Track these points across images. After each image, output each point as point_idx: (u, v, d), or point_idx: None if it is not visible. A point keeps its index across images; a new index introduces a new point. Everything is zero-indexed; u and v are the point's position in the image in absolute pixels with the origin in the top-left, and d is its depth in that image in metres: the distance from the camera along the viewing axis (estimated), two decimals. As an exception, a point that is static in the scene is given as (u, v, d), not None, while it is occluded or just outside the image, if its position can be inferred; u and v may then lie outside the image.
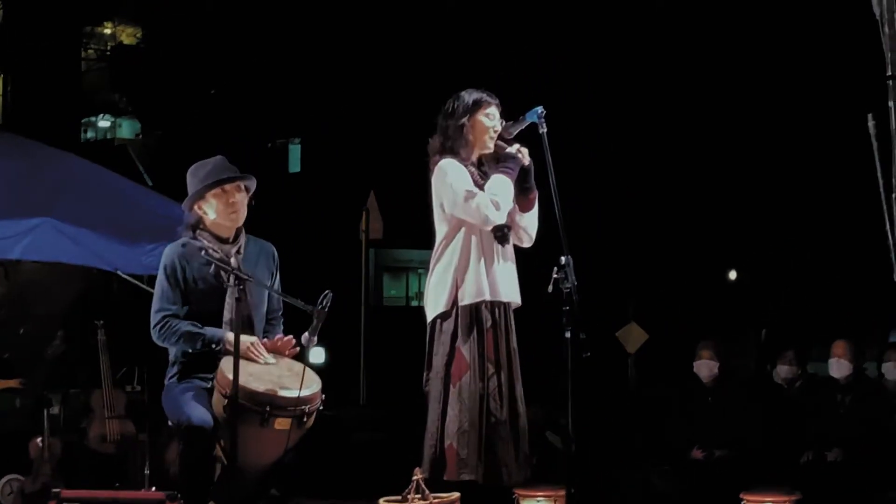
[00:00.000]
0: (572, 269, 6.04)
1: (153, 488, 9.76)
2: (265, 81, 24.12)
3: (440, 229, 6.47)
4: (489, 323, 6.37)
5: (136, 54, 27.82)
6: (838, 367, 9.54)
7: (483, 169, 6.51)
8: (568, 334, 6.08)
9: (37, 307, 12.47)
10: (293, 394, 5.79)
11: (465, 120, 6.43)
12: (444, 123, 6.49)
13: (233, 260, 6.08)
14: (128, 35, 29.46)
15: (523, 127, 6.45)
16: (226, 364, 5.83)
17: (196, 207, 6.13)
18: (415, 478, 5.98)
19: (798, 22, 17.76)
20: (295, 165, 29.83)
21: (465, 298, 6.33)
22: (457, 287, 6.35)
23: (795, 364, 10.23)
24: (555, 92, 17.35)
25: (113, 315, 11.06)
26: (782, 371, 10.29)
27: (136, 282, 10.28)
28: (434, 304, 6.39)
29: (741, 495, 8.52)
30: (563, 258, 6.06)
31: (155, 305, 6.06)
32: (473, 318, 6.34)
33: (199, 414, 5.72)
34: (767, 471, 9.13)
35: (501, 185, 6.34)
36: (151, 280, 10.43)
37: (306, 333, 5.78)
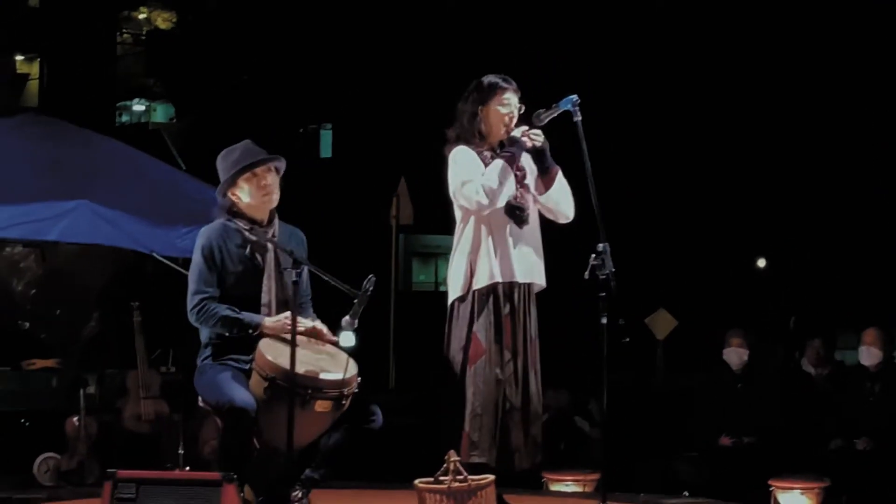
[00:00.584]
0: (609, 256, 6.02)
1: (187, 468, 9.81)
2: (297, 67, 24.14)
3: (457, 215, 6.48)
4: (507, 308, 6.35)
5: (171, 39, 27.88)
6: (868, 355, 9.50)
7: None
8: (604, 320, 6.07)
9: (73, 289, 12.53)
10: (334, 376, 5.79)
11: (478, 108, 6.42)
12: (461, 109, 6.48)
13: (269, 244, 6.10)
14: (163, 20, 29.51)
15: (555, 115, 6.38)
16: (265, 346, 5.84)
17: (230, 194, 6.11)
18: (451, 460, 5.97)
19: (830, 3, 17.69)
20: (326, 151, 29.82)
21: (479, 282, 6.33)
22: (471, 271, 6.35)
23: (823, 352, 10.21)
24: (586, 78, 17.34)
25: (148, 297, 11.10)
26: (810, 359, 10.28)
27: (172, 264, 10.32)
28: (452, 288, 6.40)
29: (769, 482, 8.52)
30: (600, 245, 6.04)
31: (192, 287, 6.00)
32: (489, 301, 6.34)
33: (242, 396, 5.71)
34: (796, 458, 9.11)
35: (496, 171, 6.29)
36: (186, 263, 10.44)
37: (347, 317, 5.78)
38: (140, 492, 5.29)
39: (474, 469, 6.10)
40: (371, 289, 5.75)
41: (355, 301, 5.76)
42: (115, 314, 12.32)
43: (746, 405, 9.65)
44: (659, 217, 18.24)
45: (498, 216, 6.36)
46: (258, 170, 6.08)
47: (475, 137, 6.41)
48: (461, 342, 6.33)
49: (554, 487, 8.78)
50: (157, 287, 11.40)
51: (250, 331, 5.96)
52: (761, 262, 20.05)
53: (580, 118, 6.23)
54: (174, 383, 10.94)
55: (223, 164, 6.14)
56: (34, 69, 29.63)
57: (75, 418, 10.77)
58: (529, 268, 6.43)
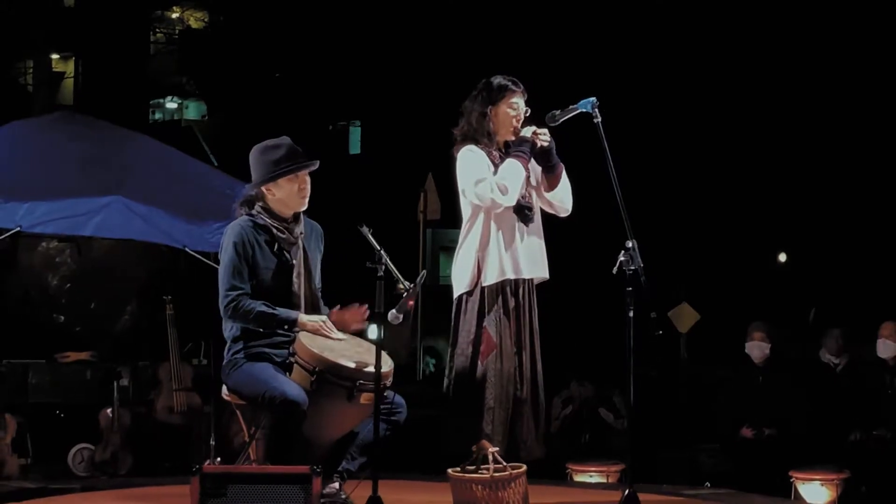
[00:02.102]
0: (637, 252, 6.10)
1: (217, 459, 9.83)
2: (326, 66, 24.15)
3: (465, 212, 6.50)
4: (513, 304, 6.40)
5: (203, 38, 27.94)
6: (885, 348, 9.47)
7: (508, 153, 6.49)
8: (631, 314, 6.12)
9: (107, 283, 12.57)
10: (381, 369, 5.81)
11: (488, 108, 6.44)
12: (469, 109, 6.51)
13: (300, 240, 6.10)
14: (195, 19, 29.57)
15: (570, 116, 6.43)
16: (308, 340, 5.84)
17: (265, 188, 6.10)
18: (491, 450, 5.99)
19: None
20: (355, 147, 29.86)
21: (488, 279, 6.37)
22: (479, 267, 6.39)
23: (842, 343, 10.17)
24: (605, 74, 17.31)
25: (180, 291, 11.13)
26: (829, 349, 10.24)
27: (203, 258, 10.34)
28: (459, 283, 6.42)
29: (790, 473, 8.50)
30: (629, 242, 6.11)
31: (225, 283, 5.96)
32: (497, 297, 6.38)
33: (293, 389, 5.69)
34: (816, 450, 9.08)
35: (510, 169, 6.34)
36: (218, 257, 10.51)
37: (393, 310, 5.78)
38: (228, 488, 5.25)
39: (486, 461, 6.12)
40: (421, 284, 5.82)
41: (404, 295, 5.79)
42: (148, 308, 12.37)
43: (768, 398, 9.62)
44: (682, 214, 18.19)
45: (506, 214, 6.41)
46: (300, 172, 6.08)
47: (484, 137, 6.45)
48: (470, 336, 6.36)
49: (578, 478, 8.78)
50: (188, 281, 11.42)
51: (286, 327, 5.95)
52: (782, 257, 19.98)
53: (600, 119, 6.26)
54: (206, 376, 10.97)
55: (264, 158, 6.08)
56: (70, 68, 29.74)
57: (109, 410, 10.82)
58: (534, 263, 6.48)
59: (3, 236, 9.87)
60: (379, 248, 5.84)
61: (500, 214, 6.39)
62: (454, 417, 6.37)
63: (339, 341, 5.96)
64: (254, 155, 6.14)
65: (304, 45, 24.01)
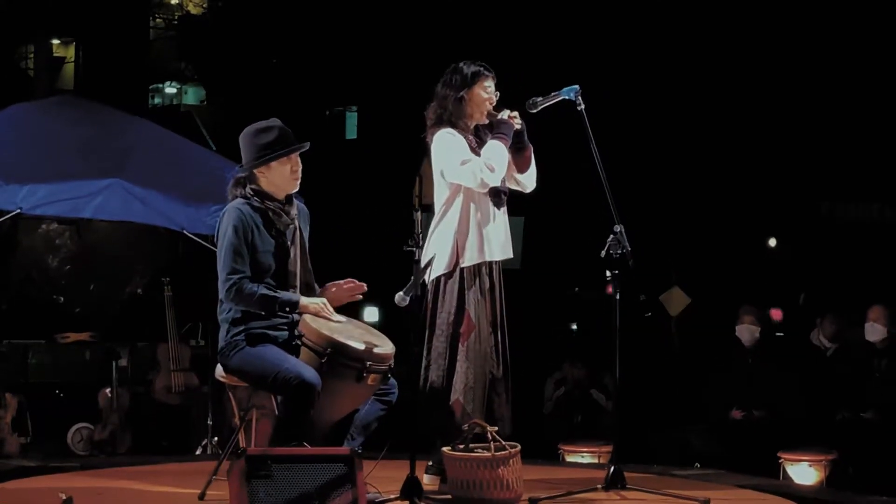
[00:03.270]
0: (625, 236, 6.14)
1: (215, 438, 9.84)
2: (323, 52, 24.11)
3: (440, 195, 6.59)
4: (487, 285, 6.48)
5: (202, 24, 27.87)
6: (873, 332, 9.50)
7: (480, 136, 6.60)
8: (617, 296, 6.18)
9: (106, 265, 12.56)
10: (385, 350, 5.84)
11: (463, 92, 6.52)
12: (443, 94, 6.58)
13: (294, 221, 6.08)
14: (194, 5, 29.50)
15: (551, 103, 6.50)
16: (315, 322, 5.83)
17: (256, 171, 6.04)
18: (489, 429, 6.01)
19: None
20: (351, 133, 29.80)
21: (468, 260, 6.46)
22: (458, 249, 6.48)
23: (832, 328, 10.17)
24: (595, 58, 17.28)
25: (179, 273, 11.12)
26: (825, 335, 10.24)
27: (202, 241, 10.32)
28: (437, 265, 6.45)
29: (778, 454, 8.51)
30: (616, 227, 6.15)
31: (226, 267, 5.87)
32: (475, 279, 6.47)
33: (309, 371, 5.64)
34: (804, 431, 9.10)
35: (496, 150, 6.44)
36: (214, 241, 10.50)
37: (401, 293, 5.78)
38: (274, 468, 5.19)
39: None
40: (431, 268, 5.93)
41: (413, 278, 5.81)
42: (147, 289, 12.36)
43: (757, 380, 9.64)
44: (674, 200, 18.17)
45: (482, 196, 6.52)
46: (293, 154, 6.06)
47: (459, 120, 6.54)
48: (450, 317, 6.43)
49: (570, 458, 8.79)
50: (186, 263, 11.41)
51: (287, 309, 5.91)
52: (772, 242, 19.99)
53: (583, 106, 6.32)
54: (203, 356, 10.98)
55: (256, 141, 6.03)
56: (70, 53, 29.69)
57: (108, 390, 10.84)
58: (505, 244, 6.59)
59: (3, 218, 9.85)
60: (420, 232, 5.89)
61: (477, 197, 6.50)
62: (435, 398, 6.41)
63: (339, 323, 5.96)
64: (245, 137, 6.09)
65: (301, 31, 23.96)
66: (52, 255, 12.42)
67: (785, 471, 8.42)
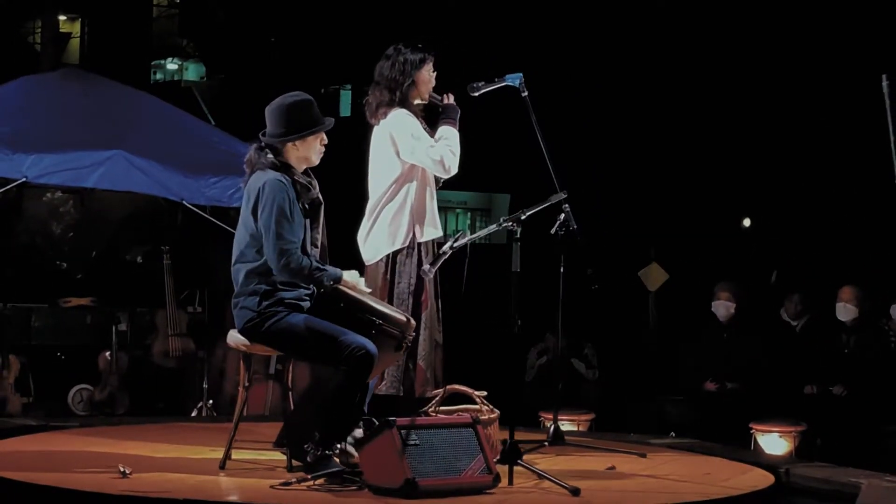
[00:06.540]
0: (571, 214, 6.51)
1: (210, 401, 9.84)
2: (319, 31, 24.02)
3: (390, 172, 6.59)
4: (431, 258, 6.55)
5: (203, 2, 27.75)
6: (845, 312, 9.48)
7: (426, 118, 6.69)
8: (562, 269, 6.67)
9: (108, 232, 12.52)
10: (413, 322, 5.96)
11: (413, 74, 6.57)
12: (391, 76, 6.60)
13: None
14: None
15: (493, 88, 6.66)
16: (356, 293, 5.83)
17: (290, 144, 5.85)
18: (477, 394, 6.13)
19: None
20: (346, 110, 29.70)
21: (424, 236, 6.59)
22: (414, 226, 6.57)
23: (802, 306, 10.17)
24: (576, 37, 17.20)
25: (177, 242, 11.09)
26: (788, 312, 10.24)
27: (200, 211, 10.30)
28: (390, 241, 6.54)
29: (750, 425, 8.52)
30: (564, 205, 6.48)
31: (278, 238, 5.64)
32: (429, 253, 6.58)
33: (368, 342, 5.57)
34: (775, 403, 9.12)
35: (452, 134, 6.57)
36: (214, 211, 10.48)
37: (427, 265, 5.99)
38: (420, 435, 5.30)
39: (427, 402, 6.35)
40: (458, 242, 5.99)
41: (441, 252, 6.00)
42: (147, 257, 12.33)
43: (731, 354, 9.65)
44: (653, 178, 18.16)
45: (432, 177, 6.65)
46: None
47: (408, 102, 6.59)
48: (410, 288, 6.54)
49: (550, 426, 8.77)
50: (185, 233, 11.38)
51: (331, 283, 5.77)
52: (746, 222, 19.99)
53: (527, 93, 6.41)
54: (200, 322, 10.98)
55: (293, 114, 5.85)
56: (76, 28, 29.54)
57: (107, 353, 10.83)
58: (440, 220, 6.78)
59: (9, 186, 9.82)
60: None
61: (428, 176, 6.62)
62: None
63: (370, 295, 5.97)
64: (279, 110, 5.86)
65: (298, 10, 23.88)
66: (55, 222, 12.37)
67: (756, 441, 8.43)
